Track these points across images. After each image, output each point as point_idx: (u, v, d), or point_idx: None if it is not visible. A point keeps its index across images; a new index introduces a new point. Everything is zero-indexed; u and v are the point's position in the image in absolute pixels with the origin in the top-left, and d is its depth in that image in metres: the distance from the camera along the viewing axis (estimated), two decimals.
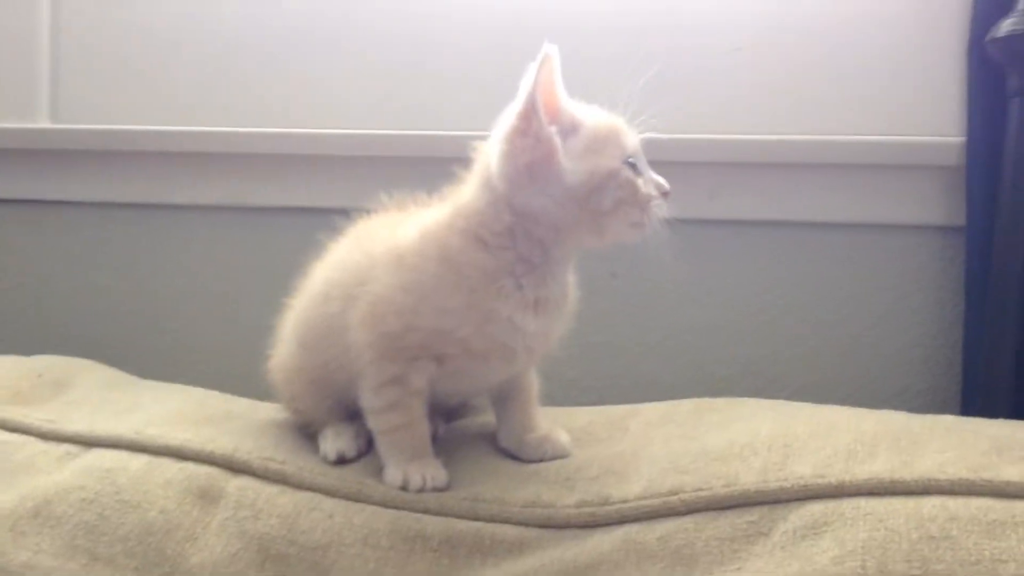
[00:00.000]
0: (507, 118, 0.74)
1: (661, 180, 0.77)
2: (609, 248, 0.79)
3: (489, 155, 0.76)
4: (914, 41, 1.12)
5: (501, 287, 0.75)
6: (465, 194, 0.78)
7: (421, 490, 0.75)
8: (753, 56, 1.15)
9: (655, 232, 0.76)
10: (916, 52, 1.12)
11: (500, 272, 0.75)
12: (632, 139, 0.76)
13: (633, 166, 0.75)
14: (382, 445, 0.79)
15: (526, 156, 0.73)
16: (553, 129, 0.73)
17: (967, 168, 1.06)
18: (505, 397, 0.83)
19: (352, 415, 0.83)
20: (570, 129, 0.74)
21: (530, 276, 0.76)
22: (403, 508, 0.74)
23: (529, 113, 0.72)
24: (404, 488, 0.75)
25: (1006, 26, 1.00)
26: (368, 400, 0.78)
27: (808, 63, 1.14)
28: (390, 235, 0.79)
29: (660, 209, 0.76)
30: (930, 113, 1.11)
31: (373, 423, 0.79)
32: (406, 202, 0.84)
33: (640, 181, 0.75)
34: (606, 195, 0.74)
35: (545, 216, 0.74)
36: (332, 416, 0.84)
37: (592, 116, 0.76)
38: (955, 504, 0.62)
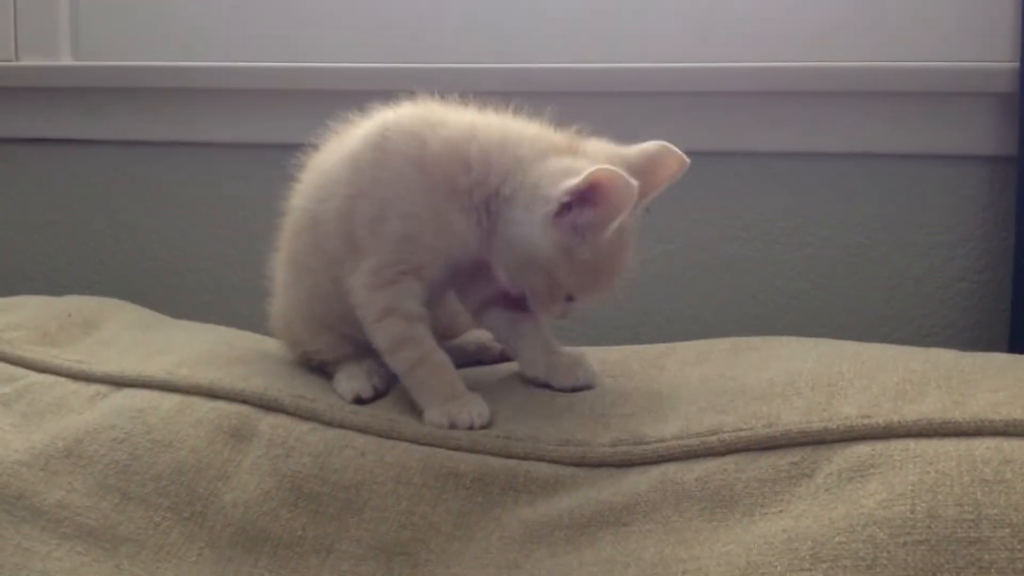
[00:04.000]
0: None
1: None
2: None
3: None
4: None
5: (462, 204, 0.75)
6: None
7: (471, 428, 0.74)
8: None
9: None
10: None
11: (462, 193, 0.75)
12: None
13: None
14: (412, 389, 0.77)
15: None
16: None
17: (1020, 94, 1.03)
18: (518, 329, 0.81)
19: (361, 351, 0.82)
20: None
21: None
22: (435, 445, 0.73)
23: None
24: (453, 427, 0.74)
25: None
26: (375, 341, 0.78)
27: None
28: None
29: None
30: (981, 36, 1.07)
31: (392, 365, 0.78)
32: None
33: None
34: None
35: None
36: (338, 353, 0.83)
37: None
38: (1009, 446, 0.60)
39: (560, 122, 0.78)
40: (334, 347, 0.83)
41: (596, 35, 1.17)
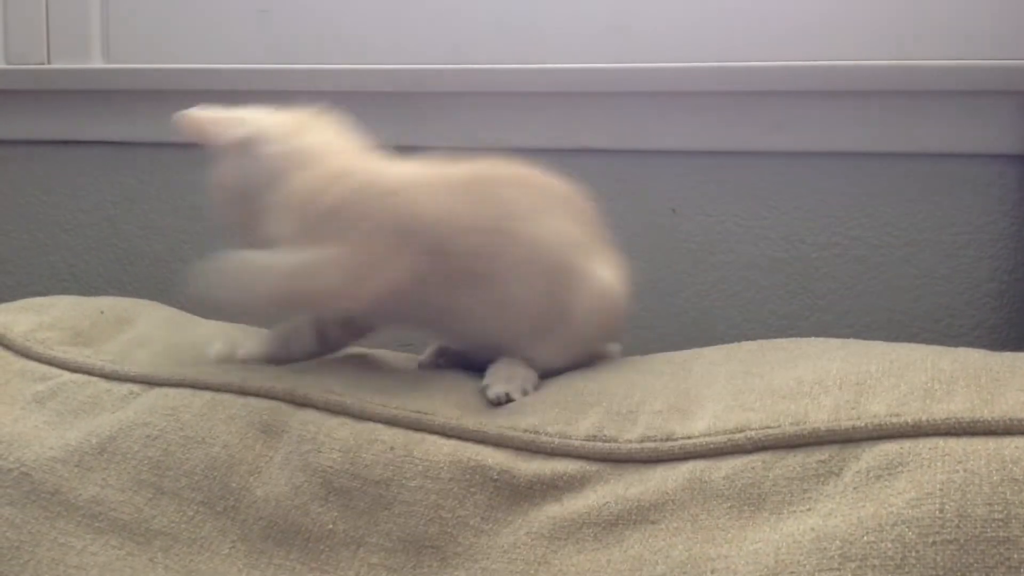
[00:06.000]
0: None
1: None
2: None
3: None
4: None
5: None
6: None
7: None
8: None
9: None
10: None
11: None
12: None
13: None
14: None
15: None
16: None
17: None
18: None
19: None
20: None
21: None
22: (462, 438, 0.74)
23: None
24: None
25: None
26: None
27: None
28: None
29: None
30: (1011, 33, 1.06)
31: None
32: None
33: None
34: None
35: None
36: None
37: None
38: None
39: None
40: None
41: (624, 35, 1.17)
